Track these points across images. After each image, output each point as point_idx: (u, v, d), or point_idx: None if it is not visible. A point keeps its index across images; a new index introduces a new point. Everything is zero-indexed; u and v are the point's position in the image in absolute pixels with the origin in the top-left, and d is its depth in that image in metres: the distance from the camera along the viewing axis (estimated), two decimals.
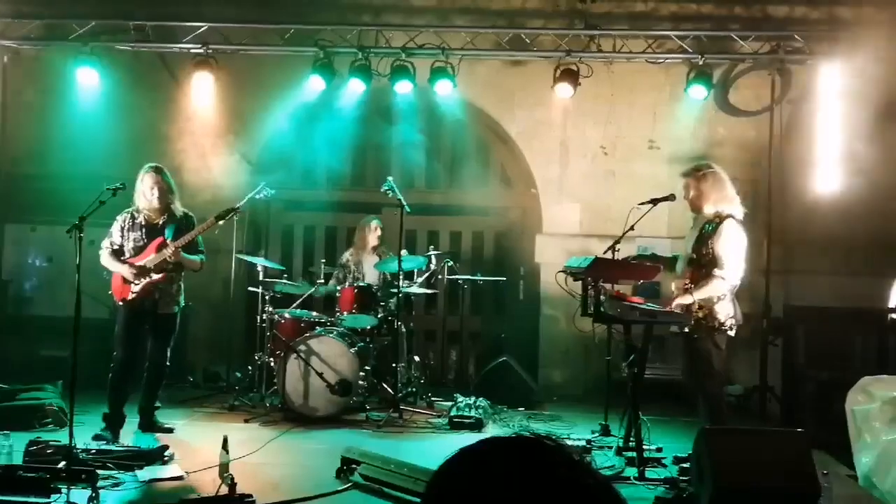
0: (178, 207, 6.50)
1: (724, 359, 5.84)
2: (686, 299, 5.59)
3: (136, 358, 6.37)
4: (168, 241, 6.26)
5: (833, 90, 8.08)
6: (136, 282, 6.24)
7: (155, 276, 6.26)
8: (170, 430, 6.48)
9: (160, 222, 6.38)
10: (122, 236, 6.37)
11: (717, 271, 5.56)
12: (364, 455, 5.38)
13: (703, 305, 5.61)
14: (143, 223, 6.37)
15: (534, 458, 1.22)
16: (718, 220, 5.66)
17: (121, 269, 6.27)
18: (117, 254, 6.35)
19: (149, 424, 6.47)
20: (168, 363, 6.55)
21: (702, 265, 5.65)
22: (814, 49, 8.04)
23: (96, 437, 6.00)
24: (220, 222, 6.56)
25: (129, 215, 6.39)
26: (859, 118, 8.26)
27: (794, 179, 8.20)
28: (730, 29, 8.40)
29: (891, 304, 7.37)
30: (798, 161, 8.34)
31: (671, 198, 6.11)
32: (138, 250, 6.32)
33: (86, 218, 5.52)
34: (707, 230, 5.69)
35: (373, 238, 8.36)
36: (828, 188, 8.24)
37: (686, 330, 5.67)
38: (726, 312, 5.61)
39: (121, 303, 6.31)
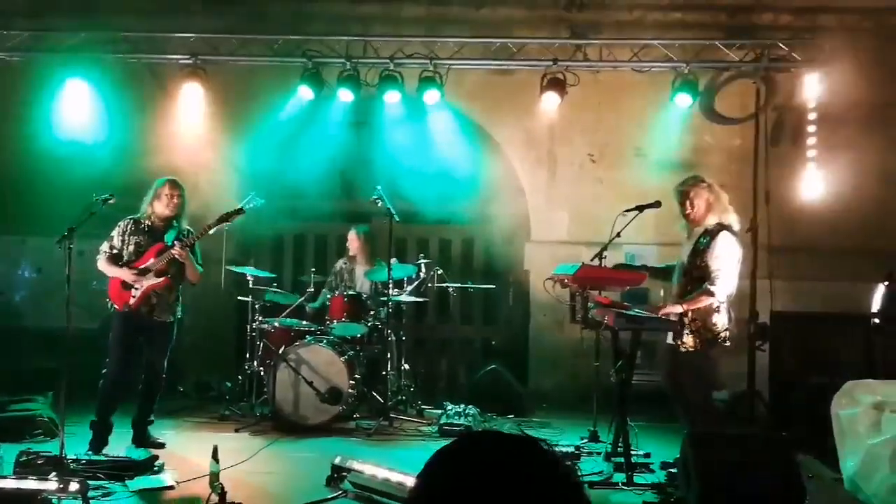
0: (185, 222, 6.54)
1: (713, 369, 5.88)
2: (676, 308, 5.64)
3: (130, 367, 6.27)
4: (175, 242, 6.24)
5: (817, 98, 8.15)
6: (137, 285, 6.20)
7: (156, 280, 6.22)
8: (161, 446, 6.39)
9: (164, 229, 6.39)
10: (123, 241, 6.34)
11: (707, 285, 5.58)
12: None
13: (696, 318, 5.63)
14: (146, 228, 6.38)
15: (523, 454, 1.27)
16: (715, 231, 5.68)
17: (119, 273, 6.23)
18: (115, 259, 6.30)
19: (141, 439, 6.38)
20: (164, 375, 6.47)
21: (695, 277, 5.69)
22: (798, 57, 8.12)
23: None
24: (224, 223, 6.52)
25: (133, 221, 6.39)
26: (843, 125, 8.35)
27: (779, 186, 8.27)
28: (714, 37, 8.47)
29: (874, 309, 7.45)
30: (783, 168, 8.42)
31: (657, 205, 6.15)
32: (139, 254, 6.30)
33: (75, 229, 5.54)
34: (702, 243, 5.71)
35: (352, 247, 8.41)
36: (812, 194, 8.31)
37: (680, 343, 5.68)
38: (722, 324, 5.64)
39: (118, 309, 6.25)
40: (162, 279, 6.26)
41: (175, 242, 6.26)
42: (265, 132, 9.12)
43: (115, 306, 6.29)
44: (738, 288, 5.95)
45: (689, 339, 5.65)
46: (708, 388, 5.82)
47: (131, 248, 6.33)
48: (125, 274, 6.22)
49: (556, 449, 6.41)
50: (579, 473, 1.25)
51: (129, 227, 6.37)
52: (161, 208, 6.36)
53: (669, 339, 5.84)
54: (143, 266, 6.25)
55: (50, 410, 6.81)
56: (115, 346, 6.23)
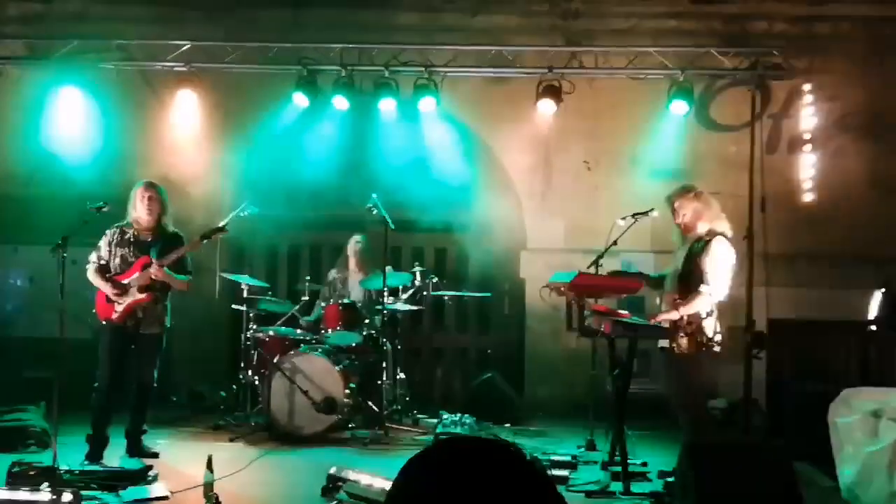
0: (170, 226, 6.42)
1: (708, 373, 5.86)
2: (672, 315, 5.63)
3: (120, 379, 6.21)
4: (153, 261, 6.16)
5: (812, 105, 8.17)
6: (119, 301, 6.13)
7: (139, 296, 6.15)
8: (155, 455, 6.33)
9: (150, 239, 6.28)
10: (110, 252, 6.25)
11: (703, 287, 5.58)
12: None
13: (691, 321, 5.62)
14: (131, 239, 6.27)
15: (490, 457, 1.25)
16: (708, 237, 5.69)
17: (103, 287, 6.16)
18: (103, 270, 6.23)
19: (135, 449, 6.31)
20: (155, 384, 6.41)
21: (690, 282, 5.68)
22: (793, 65, 8.13)
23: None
24: (205, 241, 6.48)
25: (119, 230, 6.28)
26: (838, 133, 8.37)
27: (775, 193, 8.26)
28: (710, 45, 8.48)
29: (871, 316, 7.45)
30: (778, 175, 8.42)
31: (651, 212, 6.16)
32: (125, 266, 6.21)
33: (69, 237, 5.51)
34: (696, 248, 5.71)
35: (349, 252, 8.39)
36: (808, 202, 8.32)
37: (675, 346, 5.68)
38: (713, 328, 5.64)
39: (104, 322, 6.20)
40: (145, 295, 6.15)
41: (153, 262, 6.14)
42: (260, 140, 9.10)
43: (100, 318, 6.21)
44: (734, 296, 5.93)
45: (683, 342, 5.63)
46: (703, 391, 5.79)
47: (117, 260, 6.24)
48: (108, 289, 6.15)
49: (553, 458, 6.40)
50: (547, 473, 1.23)
51: (115, 237, 6.27)
52: (138, 214, 6.25)
53: (664, 343, 5.83)
54: (126, 280, 6.16)
55: (42, 421, 6.76)
56: (104, 359, 6.15)
